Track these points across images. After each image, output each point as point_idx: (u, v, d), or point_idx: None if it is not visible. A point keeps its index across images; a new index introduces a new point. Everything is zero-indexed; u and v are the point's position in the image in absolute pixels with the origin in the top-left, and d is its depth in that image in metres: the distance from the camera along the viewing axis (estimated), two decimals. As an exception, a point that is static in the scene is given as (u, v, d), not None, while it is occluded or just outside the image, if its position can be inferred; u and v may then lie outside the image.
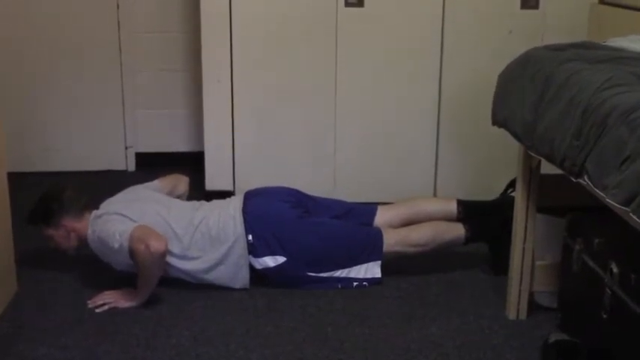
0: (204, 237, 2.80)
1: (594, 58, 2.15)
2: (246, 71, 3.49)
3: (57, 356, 2.41)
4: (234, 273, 2.82)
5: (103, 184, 3.35)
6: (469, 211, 3.02)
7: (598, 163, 1.82)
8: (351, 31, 3.44)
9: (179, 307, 2.73)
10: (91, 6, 4.01)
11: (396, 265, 2.94)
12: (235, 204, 2.89)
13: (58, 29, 4.03)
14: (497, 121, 2.52)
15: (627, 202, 1.66)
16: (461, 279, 2.96)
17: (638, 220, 1.63)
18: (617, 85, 1.90)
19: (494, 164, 3.47)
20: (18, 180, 3.05)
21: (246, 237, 2.80)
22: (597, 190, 1.81)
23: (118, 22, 4.05)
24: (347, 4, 3.40)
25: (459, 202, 3.04)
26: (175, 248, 2.77)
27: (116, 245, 2.66)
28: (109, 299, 2.73)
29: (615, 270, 2.12)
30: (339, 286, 2.85)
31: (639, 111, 1.70)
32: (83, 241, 2.84)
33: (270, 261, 2.81)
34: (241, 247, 2.80)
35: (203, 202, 2.98)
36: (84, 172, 4.12)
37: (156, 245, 2.60)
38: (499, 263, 2.87)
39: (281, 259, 2.81)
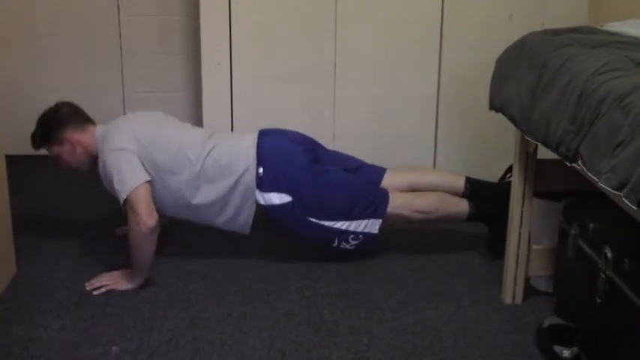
0: (215, 164, 2.78)
1: (591, 43, 2.14)
2: (245, 54, 3.47)
3: (54, 338, 2.43)
4: (239, 207, 2.81)
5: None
6: (475, 190, 3.02)
7: (592, 148, 1.82)
8: (351, 14, 3.41)
9: (176, 289, 2.74)
10: (90, -11, 4.01)
11: (393, 248, 2.95)
12: (249, 138, 2.88)
13: (57, 12, 4.01)
14: (494, 106, 2.51)
15: (620, 187, 1.66)
16: (457, 263, 2.97)
17: (630, 204, 1.63)
18: (613, 69, 1.89)
19: (492, 149, 3.46)
20: (17, 163, 3.06)
21: (257, 169, 2.79)
22: (591, 175, 1.82)
23: (118, 5, 4.03)
24: (347, -13, 3.38)
25: (468, 179, 3.04)
26: (186, 174, 2.77)
27: (115, 187, 2.68)
28: (106, 281, 2.74)
29: (609, 255, 2.13)
30: (335, 243, 2.85)
31: (633, 95, 1.70)
32: (91, 157, 2.84)
33: (276, 198, 2.80)
34: (250, 180, 2.78)
35: (216, 131, 2.96)
36: (83, 155, 4.13)
37: (145, 220, 2.62)
38: (498, 245, 2.87)
39: (286, 198, 2.80)
